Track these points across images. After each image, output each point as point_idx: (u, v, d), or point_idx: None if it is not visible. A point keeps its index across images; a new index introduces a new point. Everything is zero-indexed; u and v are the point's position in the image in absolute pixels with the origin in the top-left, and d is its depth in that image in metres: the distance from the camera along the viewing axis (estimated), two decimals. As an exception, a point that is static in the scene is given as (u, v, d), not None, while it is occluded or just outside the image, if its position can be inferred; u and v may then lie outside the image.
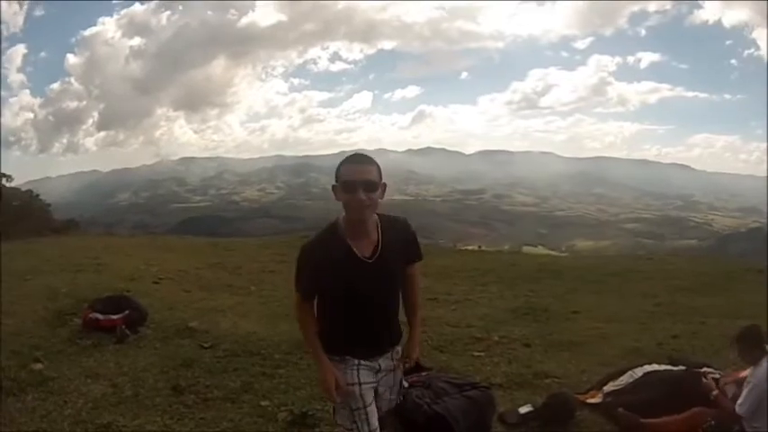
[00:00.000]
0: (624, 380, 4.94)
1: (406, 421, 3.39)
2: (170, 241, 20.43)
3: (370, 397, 2.89)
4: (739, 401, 3.93)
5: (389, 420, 3.16)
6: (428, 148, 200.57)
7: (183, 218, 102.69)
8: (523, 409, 4.62)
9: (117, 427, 4.48)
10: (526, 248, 63.29)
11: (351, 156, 2.79)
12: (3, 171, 25.59)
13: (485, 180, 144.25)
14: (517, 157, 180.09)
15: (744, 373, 4.23)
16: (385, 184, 2.78)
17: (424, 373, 4.30)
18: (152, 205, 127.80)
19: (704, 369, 4.74)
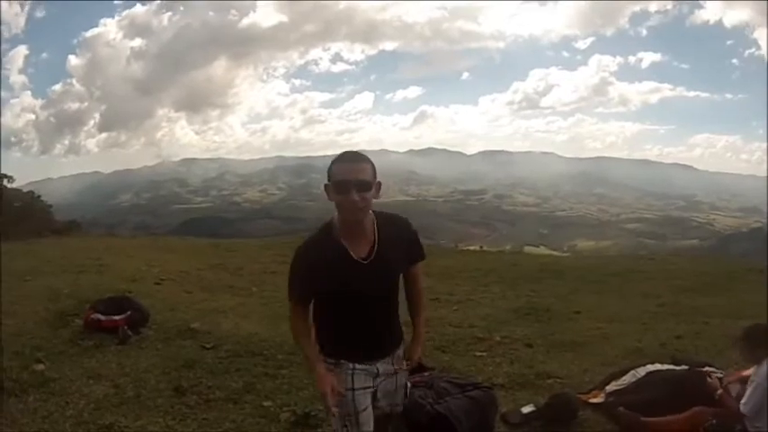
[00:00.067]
0: (627, 379, 4.92)
1: (409, 422, 3.38)
2: (171, 242, 20.46)
3: (364, 402, 2.78)
4: (743, 400, 3.92)
5: (393, 425, 3.11)
6: (429, 148, 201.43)
7: (184, 219, 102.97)
8: (526, 409, 4.61)
9: (119, 427, 4.47)
10: (527, 249, 63.46)
11: (343, 154, 2.68)
12: (4, 172, 25.63)
13: (486, 180, 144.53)
14: (518, 157, 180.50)
15: (747, 373, 4.22)
16: (379, 183, 2.67)
17: (426, 374, 4.31)
18: (153, 206, 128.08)
19: (707, 369, 4.74)
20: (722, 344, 6.40)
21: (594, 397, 4.88)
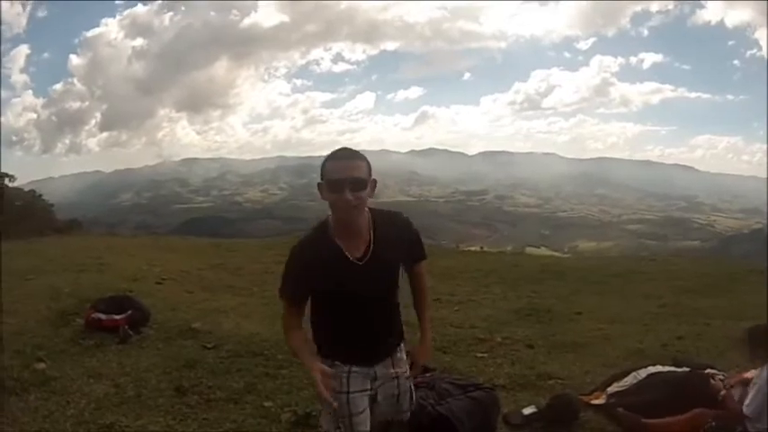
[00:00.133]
0: (628, 381, 4.91)
1: (410, 423, 3.37)
2: (172, 242, 20.46)
3: (360, 405, 2.71)
4: (746, 402, 3.92)
5: (395, 430, 3.00)
6: (431, 149, 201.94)
7: (185, 218, 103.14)
8: (527, 410, 4.60)
9: (120, 427, 4.47)
10: (529, 249, 63.51)
11: (337, 151, 2.58)
12: (6, 171, 25.67)
13: (487, 181, 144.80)
14: (519, 157, 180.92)
15: (748, 374, 4.22)
16: (375, 181, 2.58)
17: (428, 375, 4.30)
18: (154, 206, 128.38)
19: (708, 370, 4.73)
20: (723, 345, 6.40)
21: (596, 398, 4.88)
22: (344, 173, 2.47)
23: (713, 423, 4.13)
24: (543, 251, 69.35)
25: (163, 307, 8.10)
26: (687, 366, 4.95)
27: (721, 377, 4.52)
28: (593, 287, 11.41)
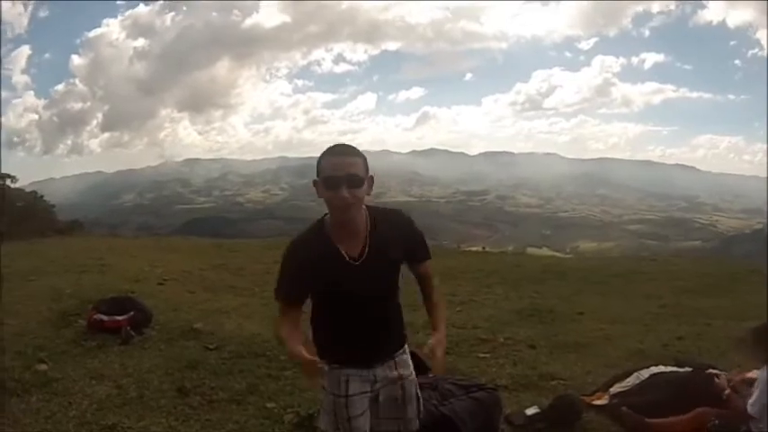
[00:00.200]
0: (630, 381, 4.91)
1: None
2: (174, 242, 20.47)
3: (359, 408, 2.65)
4: (750, 401, 3.90)
5: None
6: (432, 149, 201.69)
7: (187, 219, 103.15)
8: (530, 411, 4.60)
9: (122, 428, 4.46)
10: (530, 250, 63.46)
11: (333, 147, 2.49)
12: (7, 172, 25.72)
13: (488, 181, 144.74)
14: (521, 158, 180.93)
15: (751, 374, 4.21)
16: (372, 178, 2.50)
17: (430, 375, 4.30)
18: (156, 206, 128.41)
19: (710, 371, 4.72)
20: (724, 345, 6.39)
21: (598, 399, 4.87)
22: (341, 169, 2.40)
23: (716, 421, 4.13)
24: (544, 251, 69.30)
25: (165, 308, 8.10)
26: (689, 366, 4.94)
27: (725, 376, 4.52)
28: (595, 287, 11.41)
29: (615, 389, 4.89)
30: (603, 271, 13.40)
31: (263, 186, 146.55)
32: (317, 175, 2.47)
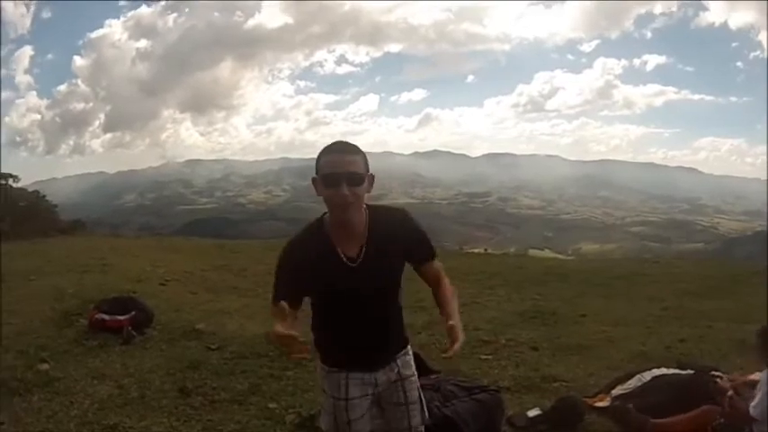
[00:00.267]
0: (632, 384, 4.90)
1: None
2: (176, 243, 20.45)
3: (359, 411, 2.63)
4: (753, 403, 3.89)
5: None
6: (434, 150, 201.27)
7: (189, 219, 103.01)
8: (532, 413, 4.59)
9: (123, 428, 4.47)
10: (532, 252, 63.27)
11: (332, 144, 2.45)
12: (10, 172, 25.75)
13: (490, 183, 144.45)
14: (523, 160, 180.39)
15: (753, 377, 4.20)
16: (372, 176, 2.45)
17: (433, 377, 4.30)
18: (158, 207, 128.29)
19: (712, 373, 4.72)
20: (726, 347, 6.40)
21: (600, 401, 4.87)
22: (340, 167, 2.36)
23: (722, 420, 4.12)
24: (546, 253, 69.14)
25: (166, 308, 8.12)
26: (691, 369, 4.94)
27: (727, 378, 4.51)
28: (597, 289, 11.38)
29: (617, 391, 4.89)
30: (606, 273, 13.37)
31: (265, 187, 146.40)
32: (316, 173, 2.43)
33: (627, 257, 36.84)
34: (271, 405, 4.94)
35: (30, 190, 28.15)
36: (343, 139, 2.48)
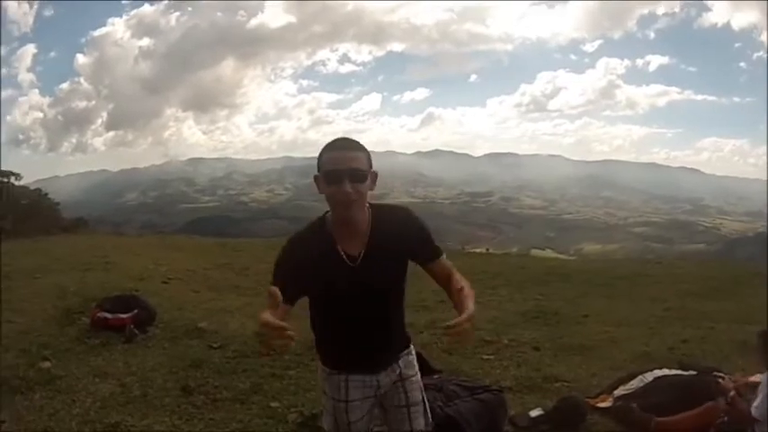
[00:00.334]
0: (635, 384, 4.90)
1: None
2: (178, 241, 20.50)
3: (359, 413, 2.59)
4: (755, 404, 3.89)
5: None
6: (437, 150, 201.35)
7: (191, 218, 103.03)
8: (534, 413, 4.59)
9: (125, 426, 4.47)
10: (534, 252, 63.22)
11: (334, 141, 2.39)
12: (12, 170, 25.77)
13: (493, 183, 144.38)
14: (525, 159, 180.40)
15: (755, 378, 4.20)
16: (375, 173, 2.40)
17: (435, 377, 4.30)
18: (160, 205, 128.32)
19: (714, 374, 4.72)
20: (728, 348, 6.40)
21: (602, 401, 4.87)
22: (343, 164, 2.31)
23: (725, 418, 4.12)
24: (548, 253, 69.06)
25: (169, 306, 8.12)
26: (693, 370, 4.94)
27: (729, 379, 4.51)
28: (600, 290, 11.38)
29: (619, 391, 4.88)
30: (608, 273, 13.37)
31: (267, 186, 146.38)
32: (318, 170, 2.38)
33: (629, 258, 36.82)
34: (273, 404, 4.94)
35: (32, 188, 28.14)
36: None
